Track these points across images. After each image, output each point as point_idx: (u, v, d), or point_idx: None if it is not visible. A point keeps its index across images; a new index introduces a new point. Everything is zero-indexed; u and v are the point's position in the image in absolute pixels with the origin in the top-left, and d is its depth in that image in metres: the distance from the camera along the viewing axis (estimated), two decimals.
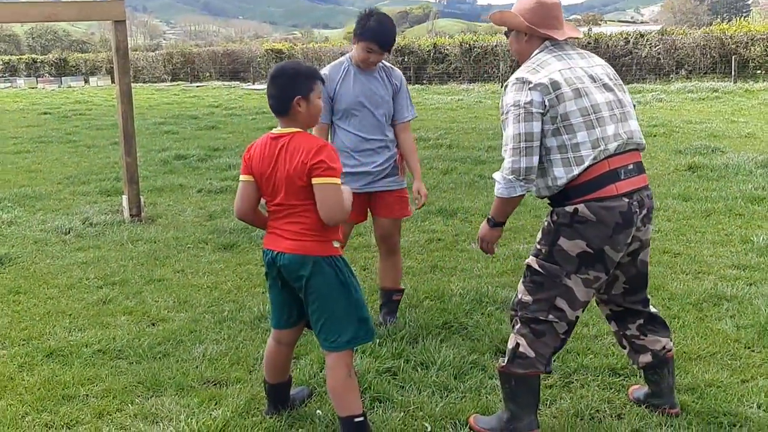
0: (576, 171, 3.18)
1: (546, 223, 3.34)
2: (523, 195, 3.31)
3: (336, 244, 3.26)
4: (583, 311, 3.38)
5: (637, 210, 3.26)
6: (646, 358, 3.56)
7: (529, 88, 3.20)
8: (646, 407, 3.63)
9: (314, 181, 3.10)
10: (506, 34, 3.54)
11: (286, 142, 3.19)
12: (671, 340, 3.62)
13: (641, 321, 3.57)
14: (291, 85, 3.21)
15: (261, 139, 3.31)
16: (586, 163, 3.18)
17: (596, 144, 3.19)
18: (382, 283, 4.90)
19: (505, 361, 3.39)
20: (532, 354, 3.31)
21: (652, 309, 3.61)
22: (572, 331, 3.42)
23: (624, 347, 3.68)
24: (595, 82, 3.30)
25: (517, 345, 3.34)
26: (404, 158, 4.67)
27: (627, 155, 3.31)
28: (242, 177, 3.38)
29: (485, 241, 3.56)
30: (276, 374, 3.60)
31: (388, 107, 4.62)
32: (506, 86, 3.33)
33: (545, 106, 3.19)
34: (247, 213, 3.42)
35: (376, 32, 4.37)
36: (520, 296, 3.38)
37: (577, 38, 3.59)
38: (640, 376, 3.80)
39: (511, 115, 3.24)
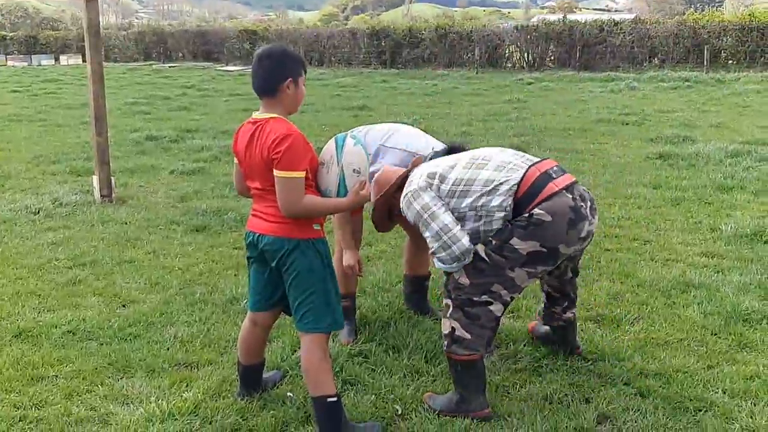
0: (510, 183, 3.37)
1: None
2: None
3: (317, 227, 3.26)
4: (520, 293, 3.57)
5: (582, 203, 3.41)
6: (558, 323, 4.01)
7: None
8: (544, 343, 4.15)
9: (274, 172, 3.11)
10: None
11: (262, 125, 3.18)
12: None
13: (566, 303, 3.97)
14: (281, 66, 3.20)
15: (244, 123, 3.30)
16: (515, 177, 3.37)
17: (501, 166, 3.43)
18: (414, 272, 4.69)
19: (445, 345, 3.51)
20: (468, 336, 3.42)
21: (574, 282, 3.95)
22: (506, 310, 3.58)
23: (544, 313, 4.04)
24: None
25: (453, 329, 3.45)
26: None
27: (546, 161, 3.55)
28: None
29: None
30: (250, 356, 3.61)
31: None
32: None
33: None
34: (243, 191, 3.49)
35: None
36: (457, 277, 3.46)
37: None
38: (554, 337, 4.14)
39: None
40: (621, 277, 5.33)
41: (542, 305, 4.08)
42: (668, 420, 3.43)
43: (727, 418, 3.45)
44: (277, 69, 3.20)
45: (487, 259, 3.39)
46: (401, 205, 3.58)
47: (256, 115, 3.24)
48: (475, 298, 3.40)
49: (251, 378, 3.66)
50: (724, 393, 3.68)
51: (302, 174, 3.12)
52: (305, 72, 3.33)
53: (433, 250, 3.47)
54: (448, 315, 3.49)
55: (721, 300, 4.80)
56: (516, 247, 3.33)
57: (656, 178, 8.63)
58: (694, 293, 4.98)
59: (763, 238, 6.07)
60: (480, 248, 3.42)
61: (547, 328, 4.14)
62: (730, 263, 5.59)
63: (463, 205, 3.43)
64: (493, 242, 3.39)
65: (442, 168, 3.52)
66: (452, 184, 3.45)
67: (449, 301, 3.49)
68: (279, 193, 3.12)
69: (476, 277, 3.41)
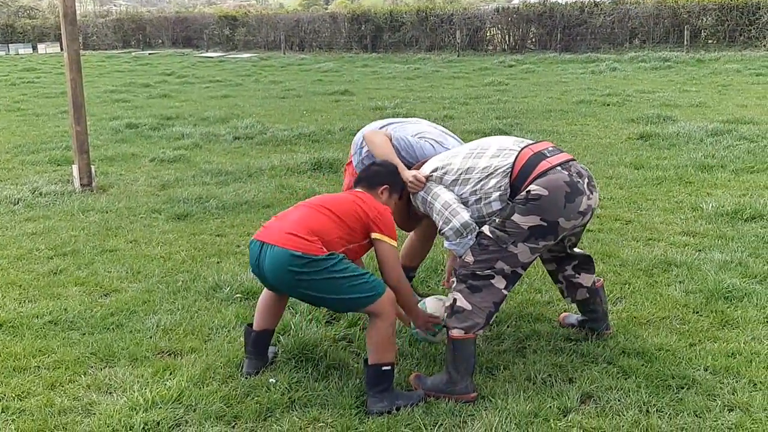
0: (505, 165, 3.55)
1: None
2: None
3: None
4: (525, 269, 3.61)
5: (578, 179, 3.52)
6: (582, 294, 3.99)
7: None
8: (581, 329, 4.12)
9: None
10: None
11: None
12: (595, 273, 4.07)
13: (576, 262, 3.96)
14: (387, 177, 3.82)
15: None
16: (509, 160, 3.55)
17: (498, 153, 3.64)
18: (404, 262, 4.61)
19: (445, 317, 3.61)
20: (468, 307, 3.51)
21: (577, 250, 3.97)
22: (513, 285, 3.63)
23: (559, 283, 4.04)
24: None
25: (455, 300, 3.55)
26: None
27: (542, 143, 3.71)
28: None
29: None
30: (266, 319, 3.79)
31: None
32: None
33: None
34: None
35: None
36: (464, 257, 3.61)
37: None
38: (576, 311, 4.20)
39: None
40: (603, 257, 5.35)
41: (559, 287, 4.11)
42: (651, 398, 3.45)
43: (709, 395, 3.48)
44: (387, 174, 3.87)
45: (491, 235, 3.53)
46: (411, 199, 3.88)
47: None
48: (478, 272, 3.53)
49: (260, 346, 3.78)
50: (706, 370, 3.70)
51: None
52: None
53: (439, 228, 3.69)
54: (453, 289, 3.62)
55: (702, 278, 4.83)
56: (518, 222, 3.47)
57: (637, 158, 8.66)
58: (676, 272, 5.01)
59: (744, 216, 6.10)
60: (485, 228, 3.58)
61: (577, 315, 4.19)
62: (711, 242, 5.63)
63: (465, 191, 3.65)
64: (497, 220, 3.54)
65: (445, 161, 3.76)
66: (454, 174, 3.68)
67: (455, 279, 3.64)
68: None
69: (480, 254, 3.55)
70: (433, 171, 3.77)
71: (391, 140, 4.16)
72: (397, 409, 3.38)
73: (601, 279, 4.14)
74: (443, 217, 3.64)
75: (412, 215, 4.10)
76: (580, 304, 4.07)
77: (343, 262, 3.43)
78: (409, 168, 3.95)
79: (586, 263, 3.99)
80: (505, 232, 3.49)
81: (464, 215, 3.60)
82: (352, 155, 4.58)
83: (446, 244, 3.73)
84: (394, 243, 3.57)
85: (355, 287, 3.41)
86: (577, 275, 3.97)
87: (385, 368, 3.43)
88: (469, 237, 3.61)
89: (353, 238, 3.56)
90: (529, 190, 3.46)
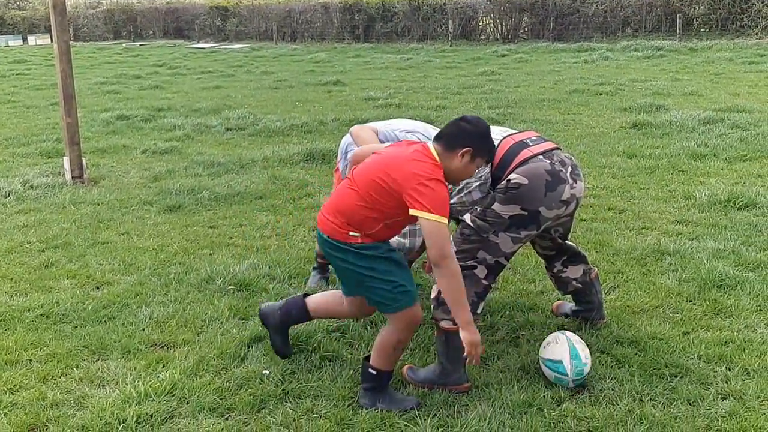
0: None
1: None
2: None
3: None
4: (508, 259, 3.59)
5: (561, 168, 3.49)
6: (571, 286, 4.00)
7: None
8: (575, 318, 4.11)
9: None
10: None
11: None
12: (589, 264, 4.06)
13: (565, 257, 3.98)
14: (473, 138, 3.23)
15: None
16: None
17: None
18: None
19: (432, 309, 3.58)
20: None
21: (568, 242, 3.96)
22: (496, 276, 3.62)
23: (551, 278, 4.08)
24: None
25: (439, 292, 3.51)
26: None
27: (526, 132, 3.70)
28: None
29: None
30: (319, 309, 3.70)
31: None
32: None
33: None
34: None
35: None
36: None
37: None
38: (570, 300, 4.22)
39: None
40: (596, 246, 5.35)
41: (552, 281, 4.15)
42: (644, 386, 3.45)
43: (702, 383, 3.49)
44: (467, 136, 3.26)
45: (472, 225, 3.52)
46: None
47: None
48: (460, 263, 3.43)
49: (289, 323, 3.74)
50: (699, 359, 3.71)
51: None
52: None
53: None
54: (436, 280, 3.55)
55: (695, 267, 4.84)
56: (498, 211, 3.46)
57: (630, 147, 8.66)
58: (669, 261, 5.01)
59: (737, 205, 6.11)
60: (467, 217, 3.57)
61: (571, 305, 4.19)
62: (704, 230, 5.63)
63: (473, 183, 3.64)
64: (478, 209, 3.53)
65: None
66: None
67: None
68: None
69: (462, 243, 3.54)
70: None
71: (377, 135, 4.13)
72: (386, 411, 3.33)
73: (595, 269, 4.12)
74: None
75: None
76: (574, 296, 4.08)
77: (366, 258, 3.25)
78: None
79: (574, 257, 4.00)
80: (485, 221, 3.49)
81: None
82: (338, 161, 4.58)
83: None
84: (438, 217, 3.05)
85: (375, 290, 3.29)
86: (564, 269, 3.98)
87: (372, 370, 3.38)
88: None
89: (388, 214, 3.20)
90: (509, 179, 3.44)
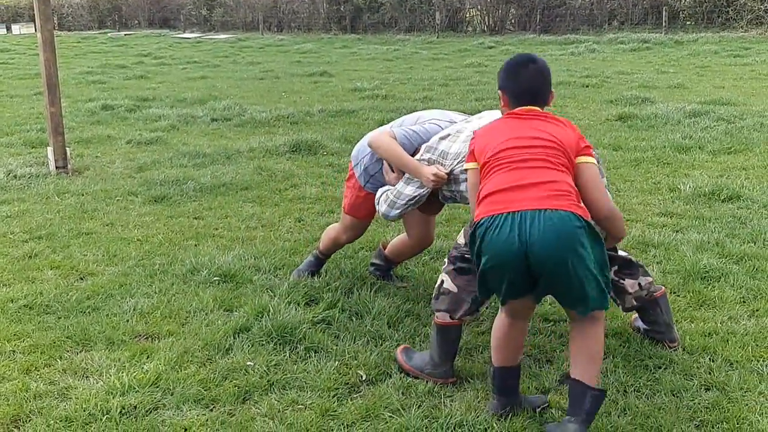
0: None
1: None
2: None
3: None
4: None
5: None
6: (630, 302, 3.67)
7: None
8: (649, 337, 3.80)
9: None
10: None
11: None
12: (652, 278, 3.73)
13: (616, 267, 3.62)
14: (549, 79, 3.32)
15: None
16: None
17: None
18: (391, 255, 4.66)
19: (432, 299, 3.55)
20: (454, 289, 3.46)
21: (622, 253, 3.69)
22: None
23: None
24: None
25: (442, 282, 3.51)
26: None
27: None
28: None
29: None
30: (508, 355, 3.18)
31: None
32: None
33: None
34: None
35: None
36: (456, 239, 3.60)
37: None
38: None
39: None
40: None
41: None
42: (628, 378, 3.47)
43: (686, 374, 3.50)
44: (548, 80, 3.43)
45: None
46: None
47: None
48: (467, 255, 3.43)
49: (509, 382, 3.20)
50: (683, 350, 3.73)
51: None
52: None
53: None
54: (443, 270, 3.57)
55: (679, 259, 4.86)
56: None
57: (616, 139, 8.68)
58: (654, 252, 5.04)
59: (721, 197, 6.14)
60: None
61: (641, 323, 3.89)
62: (689, 222, 5.66)
63: (457, 169, 3.63)
64: None
65: (443, 143, 3.74)
66: (452, 159, 3.66)
67: (446, 259, 3.59)
68: None
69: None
70: (426, 150, 3.79)
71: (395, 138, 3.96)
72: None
73: (663, 287, 3.82)
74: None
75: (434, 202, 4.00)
76: (638, 312, 3.82)
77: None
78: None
79: (627, 267, 3.68)
80: None
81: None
82: (352, 167, 4.40)
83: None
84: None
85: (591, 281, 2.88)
86: (621, 281, 3.65)
87: (598, 392, 2.98)
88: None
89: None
90: None
